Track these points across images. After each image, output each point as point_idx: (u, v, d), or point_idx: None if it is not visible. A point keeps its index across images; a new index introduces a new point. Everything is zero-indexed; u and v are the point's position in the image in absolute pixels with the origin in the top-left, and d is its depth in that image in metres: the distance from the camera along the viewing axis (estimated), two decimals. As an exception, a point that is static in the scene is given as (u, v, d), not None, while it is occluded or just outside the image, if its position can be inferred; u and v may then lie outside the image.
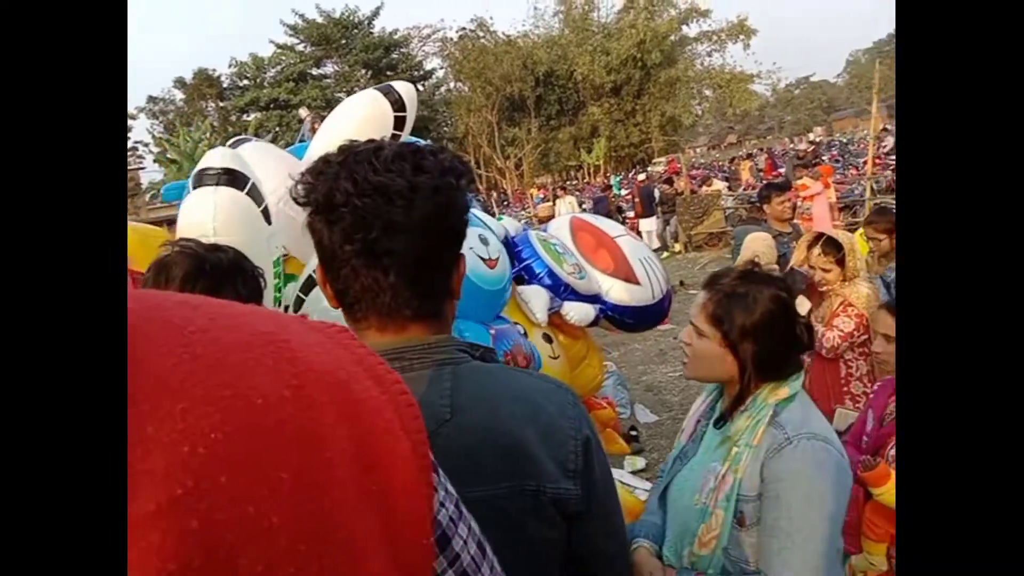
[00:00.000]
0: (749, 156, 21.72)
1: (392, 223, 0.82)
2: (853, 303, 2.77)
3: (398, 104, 1.73)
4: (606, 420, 2.35)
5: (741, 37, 30.46)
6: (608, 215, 8.57)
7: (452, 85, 33.95)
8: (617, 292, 2.14)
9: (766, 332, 1.29)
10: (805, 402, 1.32)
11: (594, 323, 2.04)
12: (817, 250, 2.79)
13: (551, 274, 1.98)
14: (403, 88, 1.77)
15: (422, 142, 0.90)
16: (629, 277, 2.15)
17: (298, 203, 0.85)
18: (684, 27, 31.05)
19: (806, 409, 1.30)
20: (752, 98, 31.95)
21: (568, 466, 0.86)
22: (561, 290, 2.01)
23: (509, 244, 2.01)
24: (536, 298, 1.99)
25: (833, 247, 2.77)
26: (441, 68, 33.28)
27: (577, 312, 1.99)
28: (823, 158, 15.98)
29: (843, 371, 2.85)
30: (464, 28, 31.52)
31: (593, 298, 2.09)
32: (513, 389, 0.89)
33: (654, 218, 12.05)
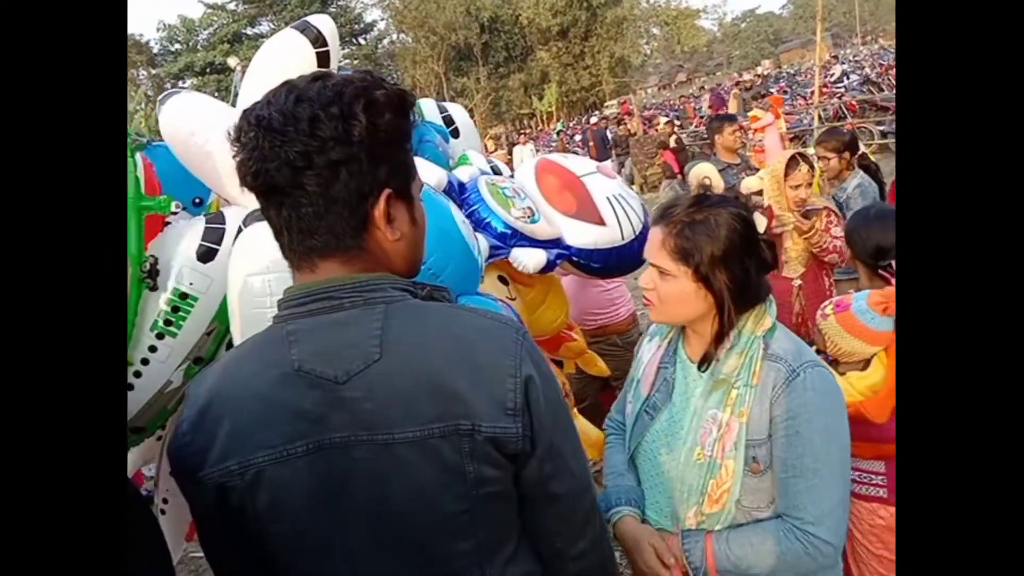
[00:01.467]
0: (693, 96, 21.74)
1: (275, 157, 0.79)
2: (831, 208, 2.89)
3: (318, 40, 1.61)
4: (578, 350, 2.35)
5: (686, -29, 30.12)
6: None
7: (395, 37, 32.95)
8: (579, 234, 2.03)
9: (736, 256, 1.19)
10: (786, 330, 1.25)
11: (548, 268, 1.96)
12: (804, 167, 2.89)
13: (497, 219, 1.90)
14: (321, 21, 1.64)
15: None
16: (592, 218, 2.04)
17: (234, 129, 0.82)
18: (628, -36, 30.53)
19: (792, 337, 1.23)
20: (699, 34, 31.80)
21: (507, 404, 0.82)
22: (510, 236, 1.92)
23: (456, 191, 1.93)
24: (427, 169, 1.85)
25: (809, 160, 2.92)
26: (382, 20, 32.29)
27: (526, 258, 1.90)
28: (771, 90, 16.05)
29: (826, 282, 2.99)
30: (403, -25, 30.44)
31: (553, 243, 2.02)
32: (448, 328, 0.86)
33: (609, 161, 12.04)
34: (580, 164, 2.16)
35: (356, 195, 0.82)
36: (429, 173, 1.83)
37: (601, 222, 2.04)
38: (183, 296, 1.55)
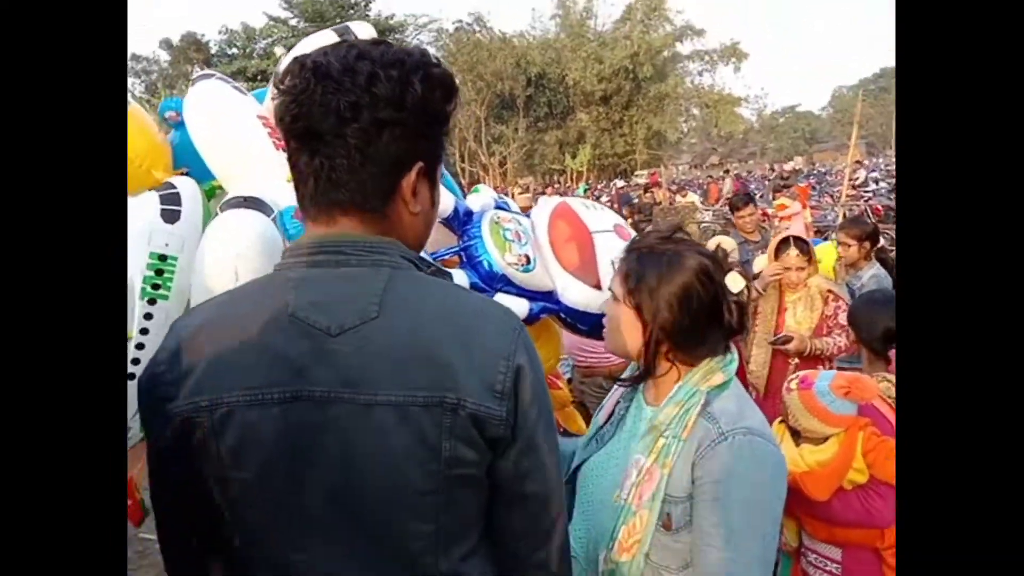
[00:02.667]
0: (721, 178, 22.07)
1: (323, 104, 0.79)
2: (840, 296, 2.91)
3: None
4: (562, 400, 2.32)
5: (733, 60, 30.85)
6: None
7: (447, 133, 33.89)
8: (573, 293, 1.95)
9: (678, 297, 1.14)
10: (739, 391, 1.18)
11: (528, 320, 1.91)
12: (793, 250, 2.93)
13: (489, 260, 1.83)
14: (360, 28, 1.71)
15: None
16: (590, 279, 1.95)
17: (274, 78, 0.83)
18: (678, 44, 31.38)
19: (741, 400, 1.16)
20: (738, 121, 32.38)
21: (495, 386, 0.81)
22: (497, 279, 1.85)
23: (460, 218, 1.93)
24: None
25: (804, 245, 2.92)
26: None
27: (512, 301, 1.83)
28: (800, 182, 16.27)
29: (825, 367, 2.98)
30: (461, 21, 31.42)
31: (542, 295, 1.99)
32: (448, 303, 0.86)
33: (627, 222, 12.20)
34: (598, 218, 2.12)
35: (392, 160, 0.83)
36: (443, 200, 1.85)
37: (598, 286, 1.96)
38: (162, 258, 1.59)
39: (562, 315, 2.00)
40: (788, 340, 2.88)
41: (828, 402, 1.65)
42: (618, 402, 1.31)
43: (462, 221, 1.89)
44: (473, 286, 1.81)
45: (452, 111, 0.88)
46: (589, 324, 1.98)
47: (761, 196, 15.81)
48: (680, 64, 32.66)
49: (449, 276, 0.94)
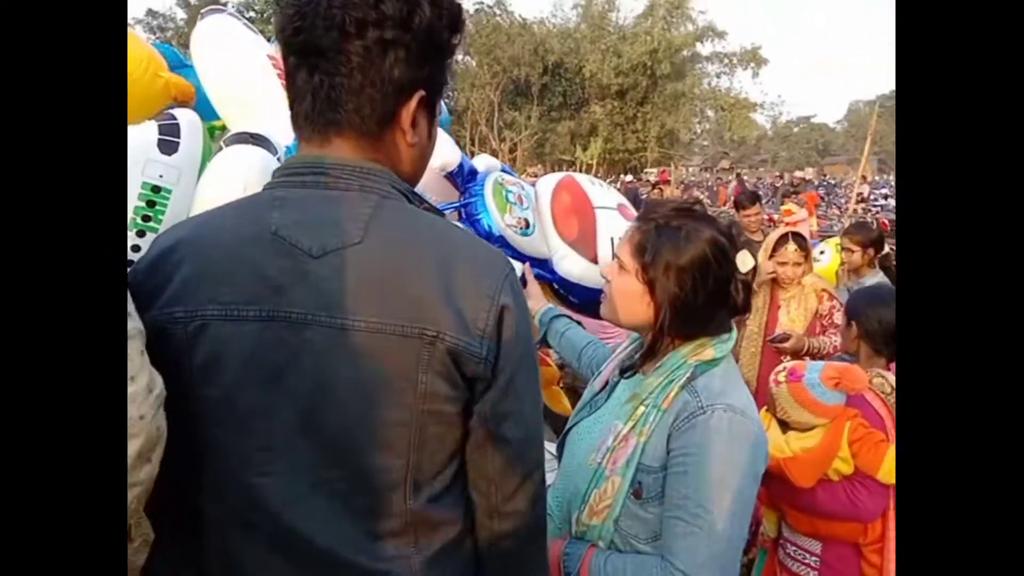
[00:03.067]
0: (728, 182, 22.10)
1: (328, 17, 0.76)
2: (835, 295, 2.91)
3: None
4: (549, 378, 2.30)
5: (752, 64, 30.66)
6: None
7: (460, 57, 33.57)
8: (568, 264, 1.94)
9: (693, 275, 1.11)
10: (730, 371, 1.16)
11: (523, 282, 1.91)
12: (792, 245, 2.93)
13: (488, 219, 1.82)
14: None
15: None
16: (587, 252, 1.94)
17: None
18: (698, 44, 31.15)
19: (728, 378, 1.14)
20: (752, 127, 32.23)
21: (477, 323, 0.79)
22: (494, 240, 1.83)
23: (465, 174, 1.90)
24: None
25: (803, 241, 2.92)
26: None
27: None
28: (809, 190, 16.25)
29: None
30: (482, 3, 31.15)
31: (537, 262, 1.97)
32: (436, 237, 0.83)
33: (635, 220, 12.19)
34: (603, 195, 2.10)
35: (394, 84, 0.81)
36: (447, 150, 1.82)
37: (594, 260, 1.95)
38: (155, 189, 1.55)
39: (555, 285, 1.99)
40: (785, 339, 2.86)
41: (819, 393, 1.63)
42: (614, 370, 1.29)
43: (466, 178, 1.87)
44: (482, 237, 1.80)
45: (456, 44, 0.86)
46: (581, 298, 1.98)
47: (769, 203, 15.80)
48: (699, 65, 32.48)
49: (442, 214, 0.91)
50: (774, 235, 3.13)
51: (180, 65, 2.39)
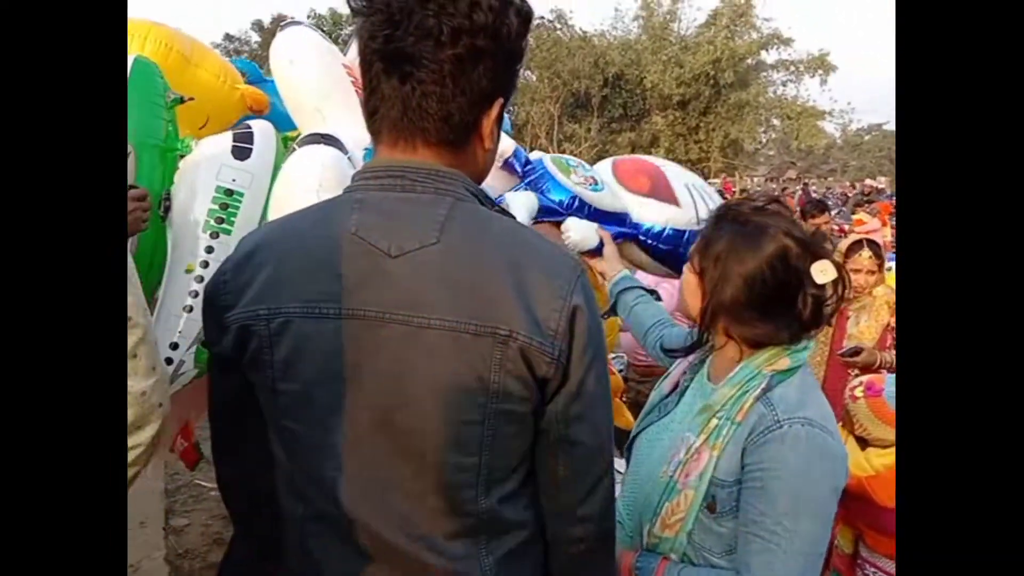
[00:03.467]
0: (795, 192, 21.40)
1: (421, 26, 0.77)
2: None
3: None
4: (613, 388, 2.28)
5: (819, 71, 29.75)
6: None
7: (520, 73, 33.83)
8: (648, 211, 1.86)
9: (745, 278, 1.07)
10: (807, 381, 1.11)
11: (597, 251, 1.80)
12: (866, 252, 2.83)
13: (555, 184, 1.77)
14: None
15: None
16: (666, 197, 1.88)
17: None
18: (763, 52, 30.47)
19: (805, 388, 1.09)
20: (820, 135, 31.18)
21: (549, 324, 0.80)
22: (567, 203, 1.78)
23: (520, 161, 1.88)
24: (517, 203, 1.75)
25: (877, 248, 2.83)
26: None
27: (577, 231, 1.74)
28: (883, 200, 15.60)
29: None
30: (542, 17, 31.33)
31: (616, 220, 1.87)
32: (509, 239, 0.84)
33: (698, 232, 11.96)
34: (661, 161, 2.06)
35: (482, 94, 0.83)
36: (504, 140, 1.82)
37: (675, 202, 1.89)
38: (229, 192, 1.64)
39: (641, 238, 1.93)
40: (857, 352, 2.75)
41: None
42: (684, 373, 1.27)
43: (523, 162, 1.87)
44: (544, 209, 1.78)
45: (526, 48, 0.88)
46: (671, 243, 1.92)
47: (839, 213, 15.24)
48: (764, 73, 31.77)
49: (513, 216, 0.93)
50: (846, 241, 3.02)
51: (259, 80, 2.52)
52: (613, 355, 3.60)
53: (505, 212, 0.92)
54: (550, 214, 1.80)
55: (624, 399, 3.42)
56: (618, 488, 1.24)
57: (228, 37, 34.87)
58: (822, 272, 1.08)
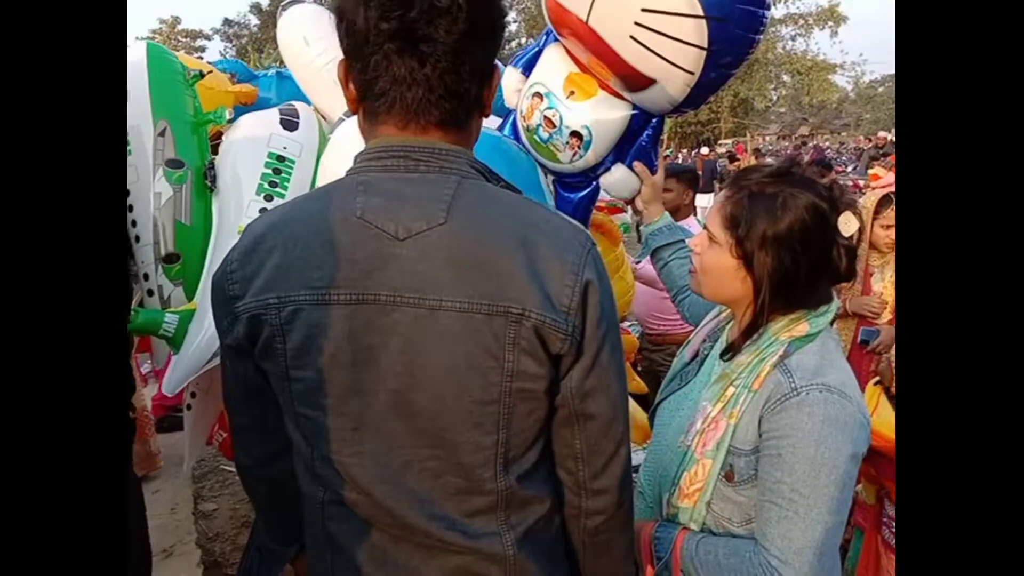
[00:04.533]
0: (801, 148, 21.12)
1: (435, 5, 0.75)
2: None
3: None
4: (628, 347, 2.27)
5: (830, 23, 29.09)
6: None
7: (524, 40, 33.38)
8: (648, 102, 1.51)
9: (792, 246, 1.04)
10: (828, 345, 1.08)
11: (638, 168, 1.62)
12: (891, 209, 2.73)
13: (555, 178, 1.68)
14: None
15: None
16: (634, 83, 1.46)
17: None
18: (770, 6, 29.84)
19: (825, 354, 1.06)
20: (832, 89, 30.68)
21: (562, 300, 0.78)
22: (582, 179, 1.69)
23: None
24: (618, 182, 1.62)
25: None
26: (515, 22, 32.63)
27: (618, 182, 1.59)
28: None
29: None
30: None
31: (625, 137, 1.61)
32: (517, 214, 0.82)
33: (712, 194, 11.81)
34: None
35: (485, 68, 0.82)
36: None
37: (648, 81, 1.43)
38: (281, 159, 1.70)
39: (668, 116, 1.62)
40: (875, 337, 2.70)
41: None
42: (704, 340, 1.24)
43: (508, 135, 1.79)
44: (580, 200, 1.70)
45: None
46: (697, 98, 1.51)
47: (854, 168, 15.00)
48: (772, 28, 31.07)
49: (519, 191, 0.91)
50: (872, 196, 2.92)
51: (250, 76, 2.57)
52: (628, 323, 3.59)
53: (511, 187, 0.89)
54: (582, 200, 1.71)
55: (638, 368, 3.41)
56: (639, 456, 1.23)
57: (227, 22, 34.69)
58: (847, 224, 1.06)
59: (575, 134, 1.57)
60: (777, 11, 30.04)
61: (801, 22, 30.13)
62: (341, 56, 0.84)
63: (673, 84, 1.44)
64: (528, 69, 1.70)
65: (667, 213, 1.64)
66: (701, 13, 1.32)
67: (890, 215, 2.72)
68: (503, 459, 0.83)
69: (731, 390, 1.08)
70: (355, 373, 0.80)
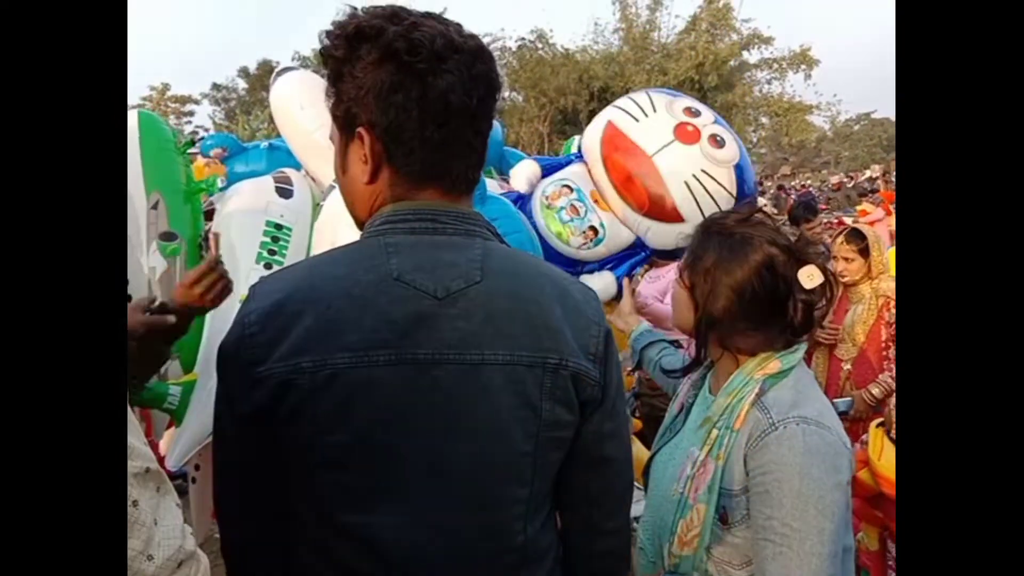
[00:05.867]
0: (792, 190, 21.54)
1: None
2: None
3: None
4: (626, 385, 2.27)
5: (803, 67, 29.92)
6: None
7: (507, 94, 34.11)
8: (656, 235, 1.83)
9: (734, 289, 1.10)
10: (801, 380, 1.12)
11: (618, 295, 1.89)
12: (840, 239, 2.85)
13: (557, 252, 1.81)
14: None
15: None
16: (666, 215, 1.79)
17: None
18: (745, 53, 30.71)
19: (800, 388, 1.10)
20: (810, 129, 31.34)
21: (590, 349, 0.84)
22: (575, 265, 1.83)
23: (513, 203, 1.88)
24: (596, 284, 1.85)
25: (856, 237, 2.82)
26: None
27: (595, 283, 1.83)
28: (880, 189, 15.61)
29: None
30: (523, 38, 31.69)
31: (626, 252, 1.89)
32: (541, 271, 0.88)
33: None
34: (654, 132, 1.82)
35: (487, 136, 0.89)
36: (492, 185, 1.82)
37: (678, 218, 1.78)
38: (279, 227, 1.74)
39: (656, 256, 1.91)
40: (845, 413, 2.77)
41: None
42: (688, 390, 1.31)
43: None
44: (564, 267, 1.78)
45: None
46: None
47: (838, 206, 15.21)
48: (747, 73, 31.97)
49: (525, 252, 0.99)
50: (837, 234, 3.08)
51: (240, 150, 2.66)
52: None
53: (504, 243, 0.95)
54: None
55: (636, 414, 3.41)
56: (639, 506, 1.25)
57: (215, 86, 35.28)
58: (809, 277, 1.09)
59: (593, 228, 1.79)
60: (751, 57, 31.01)
61: (775, 66, 30.99)
62: (319, 119, 0.89)
63: (690, 229, 1.66)
64: (547, 172, 1.97)
65: (645, 323, 1.79)
66: (735, 194, 1.77)
67: (836, 247, 2.85)
68: (532, 511, 0.85)
69: (715, 432, 1.11)
70: (395, 435, 0.80)
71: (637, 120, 1.85)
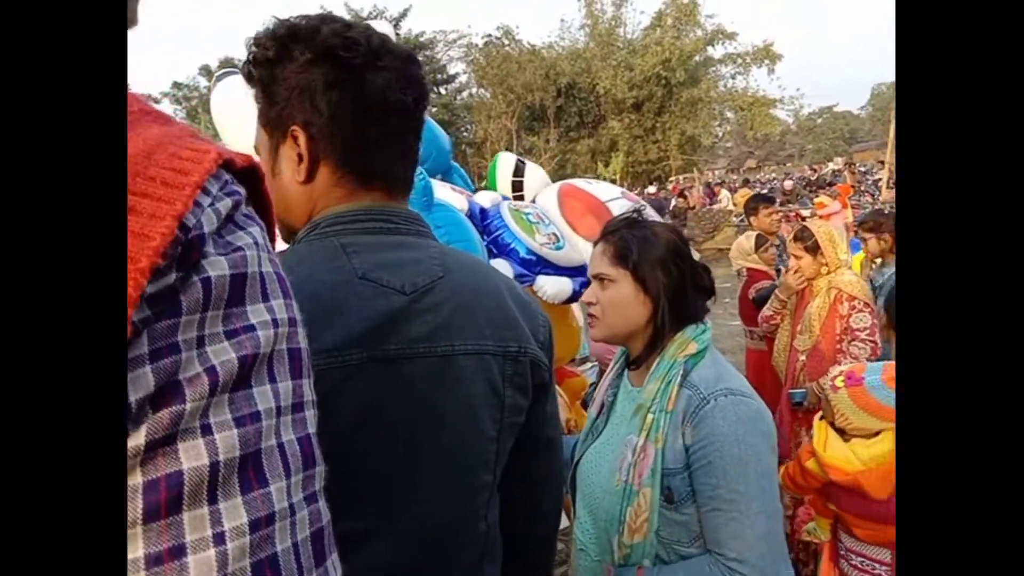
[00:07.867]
0: (747, 183, 21.91)
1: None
2: (855, 295, 2.83)
3: None
4: (578, 389, 2.28)
5: (766, 62, 30.39)
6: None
7: (474, 91, 34.07)
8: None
9: (674, 261, 1.21)
10: (716, 358, 1.21)
11: (573, 298, 1.93)
12: (789, 238, 2.95)
13: (521, 245, 1.89)
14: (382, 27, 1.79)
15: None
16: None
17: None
18: (709, 48, 31.06)
19: (718, 366, 1.19)
20: (774, 123, 31.86)
21: (539, 337, 0.88)
22: (534, 263, 1.91)
23: (477, 217, 1.94)
24: (551, 287, 1.94)
25: (804, 236, 2.90)
26: (465, 73, 33.31)
27: (551, 287, 1.89)
28: (840, 182, 15.91)
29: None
30: (490, 35, 31.66)
31: (578, 270, 1.99)
32: (489, 268, 0.94)
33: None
34: (604, 190, 2.15)
35: (420, 140, 0.91)
36: (457, 199, 1.86)
37: None
38: None
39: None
40: (800, 403, 2.85)
41: (882, 396, 1.55)
42: (606, 391, 1.34)
43: (480, 217, 1.91)
44: (517, 276, 1.83)
45: None
46: None
47: (801, 199, 15.47)
48: (712, 68, 32.31)
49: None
50: (750, 235, 3.25)
51: None
52: (589, 364, 3.59)
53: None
54: (519, 276, 1.88)
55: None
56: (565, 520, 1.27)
57: (176, 85, 34.49)
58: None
59: (555, 235, 1.98)
60: (716, 52, 31.36)
61: (740, 61, 31.40)
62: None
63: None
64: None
65: None
66: None
67: (790, 245, 2.97)
68: (493, 495, 0.87)
69: (650, 417, 1.16)
70: (371, 433, 0.80)
71: (590, 183, 2.27)
